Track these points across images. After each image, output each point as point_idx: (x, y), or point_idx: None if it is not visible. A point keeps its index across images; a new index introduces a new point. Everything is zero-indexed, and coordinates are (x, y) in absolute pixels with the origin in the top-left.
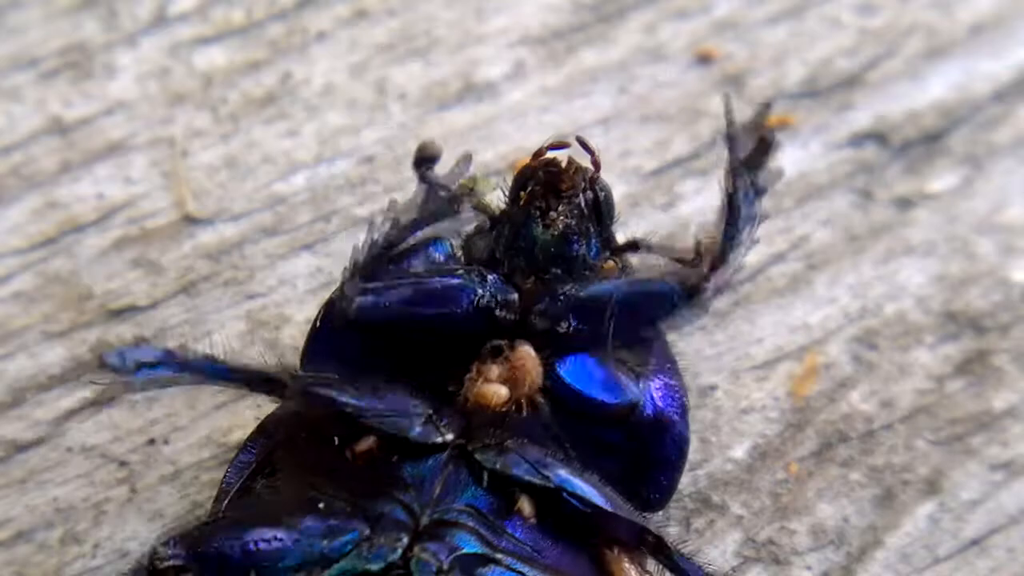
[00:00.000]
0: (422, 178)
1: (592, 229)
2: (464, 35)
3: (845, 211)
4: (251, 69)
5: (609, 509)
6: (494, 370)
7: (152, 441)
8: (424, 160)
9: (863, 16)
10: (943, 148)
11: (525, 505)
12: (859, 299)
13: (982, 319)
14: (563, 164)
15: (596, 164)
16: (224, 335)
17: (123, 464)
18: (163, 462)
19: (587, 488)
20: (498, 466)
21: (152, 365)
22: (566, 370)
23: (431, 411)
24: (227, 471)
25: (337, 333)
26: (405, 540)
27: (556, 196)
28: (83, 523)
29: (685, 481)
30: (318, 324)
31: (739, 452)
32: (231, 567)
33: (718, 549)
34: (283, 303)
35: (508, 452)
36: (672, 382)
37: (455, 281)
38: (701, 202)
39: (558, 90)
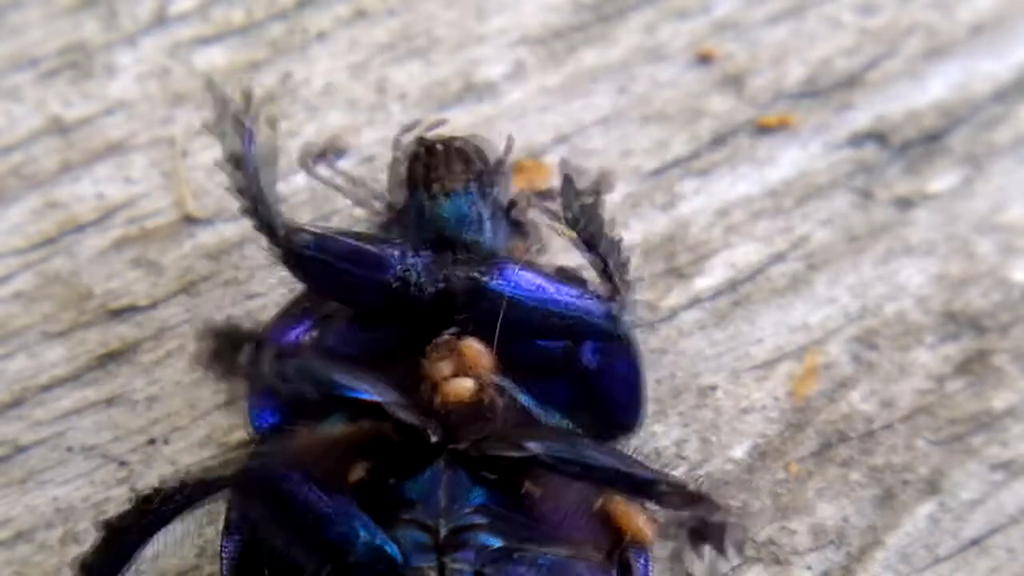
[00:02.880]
0: (308, 171)
1: (485, 199)
2: (464, 35)
3: (845, 211)
4: (251, 69)
5: (615, 466)
6: (447, 366)
7: (152, 441)
8: (322, 155)
9: (863, 16)
10: (943, 148)
11: (530, 486)
12: (859, 299)
13: (982, 319)
14: (443, 143)
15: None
16: None
17: (123, 464)
18: (163, 462)
19: (583, 453)
20: (490, 455)
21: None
22: (508, 336)
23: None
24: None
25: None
26: (433, 558)
27: (446, 172)
28: (83, 523)
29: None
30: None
31: (739, 452)
32: None
33: None
34: (283, 303)
35: (493, 441)
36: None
37: (387, 248)
38: (701, 202)
39: (558, 90)
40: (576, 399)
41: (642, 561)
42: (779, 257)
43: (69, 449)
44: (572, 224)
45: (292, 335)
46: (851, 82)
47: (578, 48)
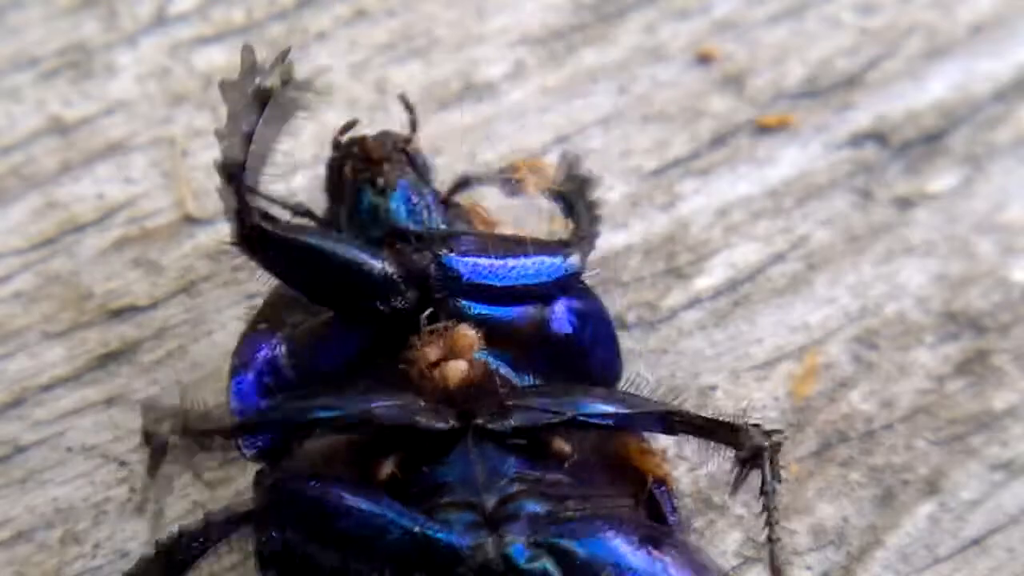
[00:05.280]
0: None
1: (421, 182)
2: (464, 35)
3: (845, 211)
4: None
5: (624, 411)
6: (434, 352)
7: None
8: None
9: (863, 16)
10: (943, 148)
11: (561, 445)
12: (859, 299)
13: (982, 319)
14: (369, 136)
15: (413, 124)
16: (225, 335)
17: (123, 464)
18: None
19: (597, 403)
20: (515, 425)
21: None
22: (483, 307)
23: (423, 404)
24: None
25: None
26: (486, 534)
27: (376, 162)
28: (83, 523)
29: (685, 481)
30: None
31: None
32: None
33: (718, 549)
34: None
35: (513, 410)
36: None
37: (356, 246)
38: (701, 202)
39: (558, 90)
40: (553, 364)
41: (666, 496)
42: (779, 257)
43: (69, 449)
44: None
45: (260, 355)
46: (851, 82)
47: (578, 48)
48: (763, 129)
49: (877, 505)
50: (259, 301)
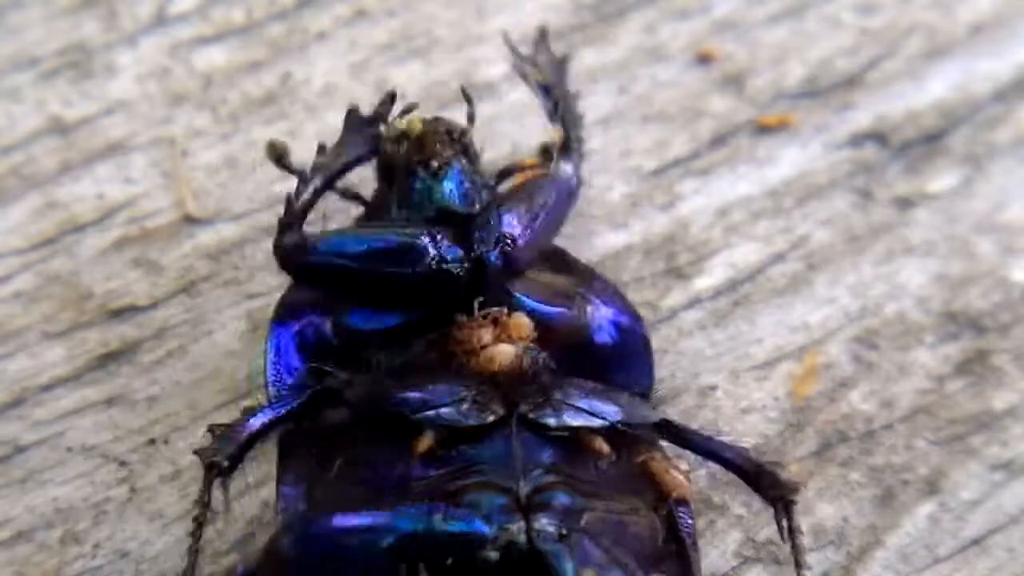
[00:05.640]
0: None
1: (473, 169)
2: (464, 35)
3: (845, 211)
4: (251, 69)
5: (642, 420)
6: (487, 333)
7: (152, 441)
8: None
9: (863, 16)
10: (943, 148)
11: (600, 445)
12: (859, 299)
13: (982, 319)
14: (426, 118)
15: (471, 116)
16: (225, 335)
17: (123, 464)
18: (163, 462)
19: (640, 412)
20: (558, 420)
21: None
22: (535, 303)
23: (471, 391)
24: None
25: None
26: (518, 519)
27: (431, 144)
28: (83, 523)
29: None
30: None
31: None
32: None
33: (718, 549)
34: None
35: (559, 404)
36: (606, 284)
37: (404, 233)
38: (701, 202)
39: None
40: (587, 368)
41: (685, 515)
42: (779, 257)
43: (69, 449)
44: (538, 73)
45: (303, 314)
46: (851, 82)
47: (578, 48)
48: (763, 129)
49: (877, 505)
50: (259, 301)
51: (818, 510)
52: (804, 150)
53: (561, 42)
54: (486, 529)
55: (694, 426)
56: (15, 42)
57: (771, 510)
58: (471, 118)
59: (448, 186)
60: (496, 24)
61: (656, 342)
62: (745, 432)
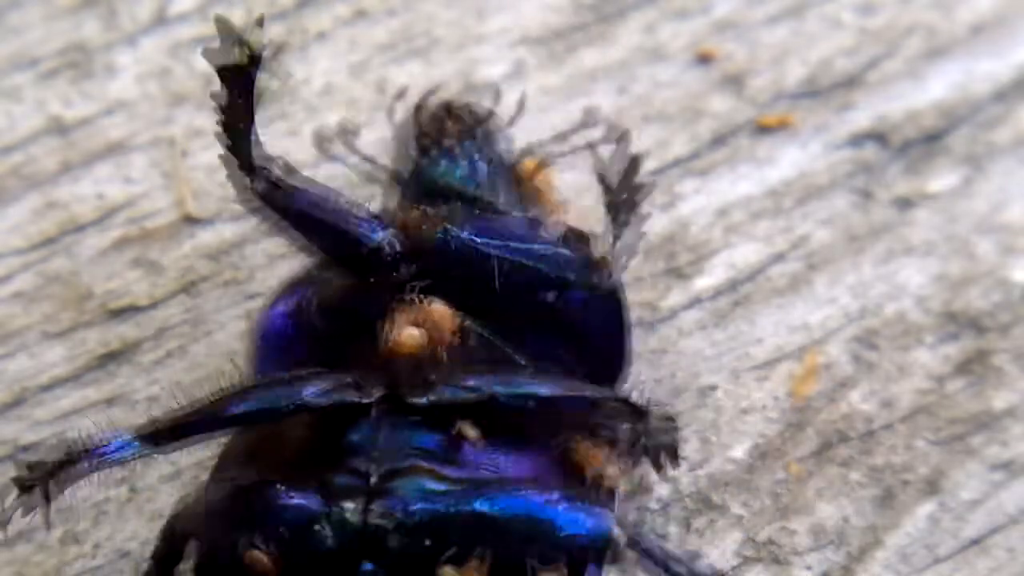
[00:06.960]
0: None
1: (487, 153)
2: (464, 35)
3: (845, 211)
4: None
5: (554, 392)
6: (404, 317)
7: None
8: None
9: (863, 16)
10: (943, 148)
11: (466, 429)
12: (859, 299)
13: (982, 319)
14: (446, 105)
15: (521, 105)
16: (225, 335)
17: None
18: (163, 462)
19: (522, 384)
20: (427, 400)
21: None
22: (483, 287)
23: (353, 378)
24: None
25: (277, 338)
26: (361, 503)
27: (439, 121)
28: (83, 523)
29: (685, 481)
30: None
31: (739, 452)
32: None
33: (718, 549)
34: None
35: (433, 384)
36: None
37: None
38: (701, 202)
39: (558, 90)
40: (558, 348)
41: (609, 495)
42: (779, 257)
43: None
44: (610, 187)
45: (293, 296)
46: (851, 82)
47: (578, 48)
48: (763, 129)
49: (877, 505)
50: (259, 301)
51: (818, 510)
52: (804, 150)
53: (561, 42)
54: (318, 506)
55: (691, 427)
56: (15, 42)
57: (770, 508)
58: (520, 106)
59: (442, 163)
60: (496, 24)
61: (656, 342)
62: (745, 432)
